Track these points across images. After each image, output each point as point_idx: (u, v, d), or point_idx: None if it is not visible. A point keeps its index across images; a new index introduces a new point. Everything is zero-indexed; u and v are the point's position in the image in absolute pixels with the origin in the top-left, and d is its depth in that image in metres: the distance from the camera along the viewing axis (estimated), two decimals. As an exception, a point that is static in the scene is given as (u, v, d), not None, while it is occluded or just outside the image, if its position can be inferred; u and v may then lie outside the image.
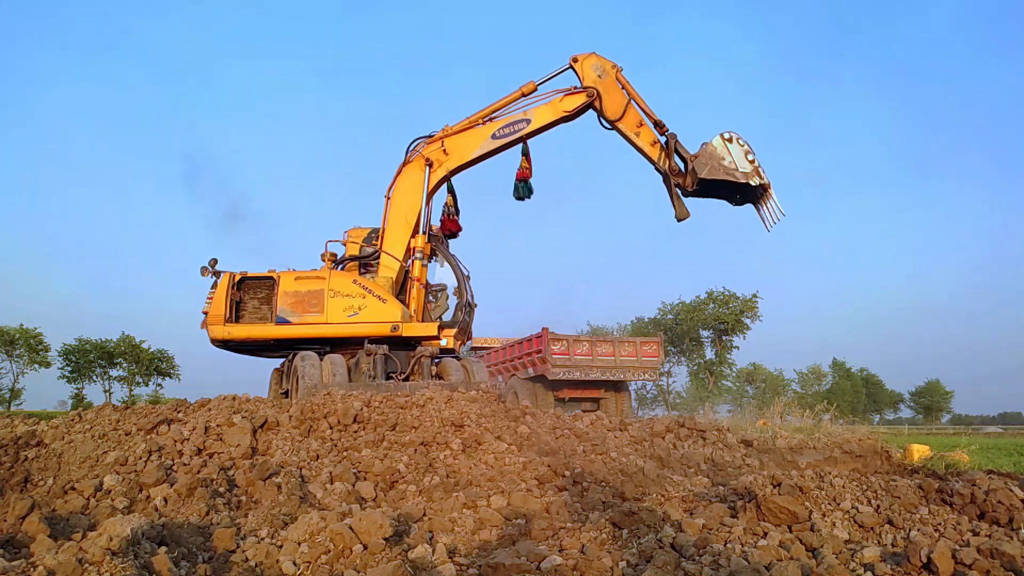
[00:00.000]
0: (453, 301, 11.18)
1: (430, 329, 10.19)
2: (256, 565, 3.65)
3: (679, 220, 9.98)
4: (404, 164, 10.61)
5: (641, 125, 10.15)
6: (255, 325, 10.20)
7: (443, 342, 10.62)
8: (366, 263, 10.92)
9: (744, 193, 9.88)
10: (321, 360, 9.71)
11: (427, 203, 10.52)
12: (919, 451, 9.56)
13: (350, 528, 3.82)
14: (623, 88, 10.20)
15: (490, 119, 10.45)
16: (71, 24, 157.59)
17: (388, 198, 10.69)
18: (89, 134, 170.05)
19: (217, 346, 10.42)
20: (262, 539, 4.03)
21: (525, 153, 10.50)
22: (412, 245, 10.47)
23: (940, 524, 4.15)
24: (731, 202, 10.13)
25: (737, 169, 9.48)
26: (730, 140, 9.60)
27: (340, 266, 11.00)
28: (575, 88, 10.26)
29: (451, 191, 10.92)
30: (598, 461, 6.56)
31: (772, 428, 12.26)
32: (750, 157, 9.54)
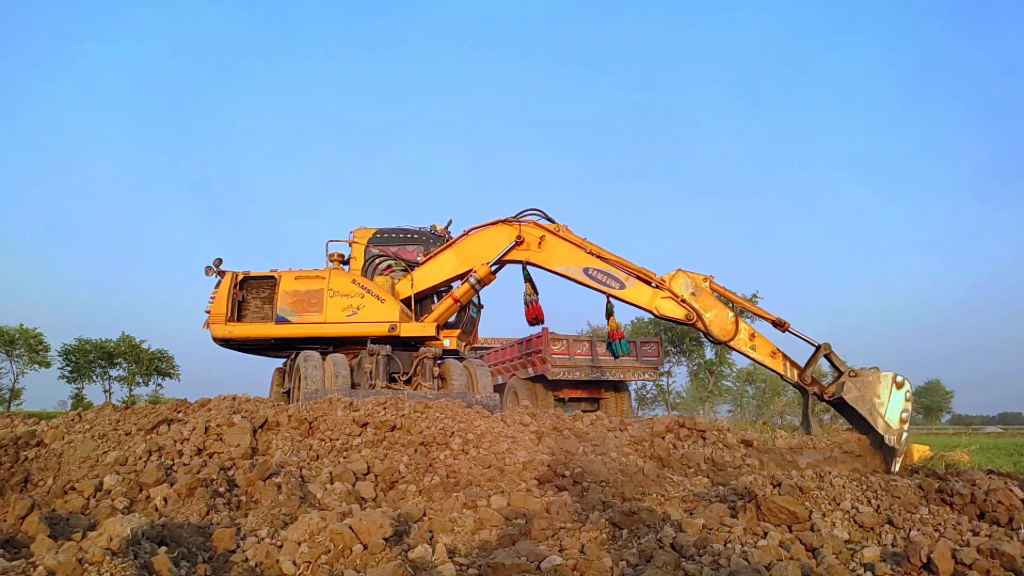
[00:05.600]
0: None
1: (428, 330, 10.14)
2: (256, 565, 3.65)
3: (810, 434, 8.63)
4: (502, 221, 9.84)
5: (754, 336, 8.87)
6: (256, 324, 10.24)
7: (446, 343, 10.62)
8: (372, 263, 10.87)
9: (874, 434, 8.53)
10: (324, 360, 9.73)
11: (491, 265, 9.94)
12: (919, 451, 9.52)
13: (350, 528, 3.82)
14: (720, 297, 9.02)
15: (599, 256, 9.40)
16: (74, 22, 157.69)
17: (466, 234, 10.08)
18: (89, 134, 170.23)
19: (219, 345, 10.46)
20: (262, 539, 4.03)
21: (610, 312, 9.64)
22: (473, 269, 9.94)
23: (940, 524, 4.15)
24: (858, 430, 8.77)
25: (883, 416, 8.22)
26: (900, 386, 8.26)
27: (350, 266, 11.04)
28: (681, 299, 8.97)
29: (529, 280, 10.11)
30: (598, 461, 6.56)
31: (772, 428, 12.24)
32: (904, 415, 8.22)
